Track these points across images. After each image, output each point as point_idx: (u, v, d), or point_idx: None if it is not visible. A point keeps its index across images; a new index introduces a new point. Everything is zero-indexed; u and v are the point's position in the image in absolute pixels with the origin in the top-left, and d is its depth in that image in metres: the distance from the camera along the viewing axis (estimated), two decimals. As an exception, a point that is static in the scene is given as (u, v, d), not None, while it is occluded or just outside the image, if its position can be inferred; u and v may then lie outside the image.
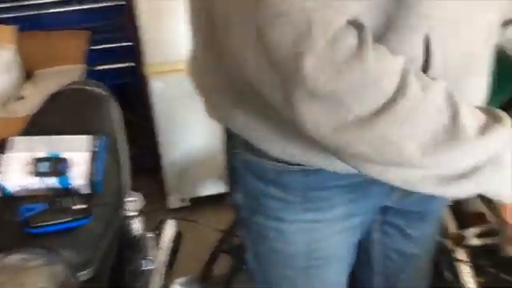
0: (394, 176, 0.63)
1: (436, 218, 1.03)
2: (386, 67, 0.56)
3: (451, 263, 1.27)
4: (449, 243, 1.26)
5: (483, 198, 1.33)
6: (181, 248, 1.52)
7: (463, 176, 0.61)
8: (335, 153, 0.62)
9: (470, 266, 1.25)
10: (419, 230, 1.00)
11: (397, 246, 1.02)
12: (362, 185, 0.80)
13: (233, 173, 0.88)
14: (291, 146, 0.74)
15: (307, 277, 0.93)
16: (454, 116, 0.58)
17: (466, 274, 1.25)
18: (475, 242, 1.23)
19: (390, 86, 0.56)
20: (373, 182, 0.73)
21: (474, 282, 1.24)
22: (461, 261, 1.25)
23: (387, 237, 1.00)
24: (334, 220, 0.86)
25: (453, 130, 0.58)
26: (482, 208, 1.31)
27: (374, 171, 0.63)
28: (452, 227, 1.29)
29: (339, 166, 0.70)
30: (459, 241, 1.24)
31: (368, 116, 0.56)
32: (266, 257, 0.92)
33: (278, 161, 0.78)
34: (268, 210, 0.85)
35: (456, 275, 1.26)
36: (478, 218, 1.31)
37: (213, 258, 1.61)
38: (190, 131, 2.09)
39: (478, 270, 1.28)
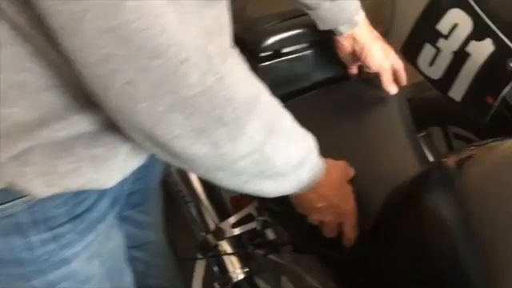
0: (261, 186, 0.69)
1: (156, 194, 1.02)
2: None
3: (219, 258, 1.22)
4: (211, 239, 1.20)
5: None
6: None
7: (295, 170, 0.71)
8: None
9: (237, 256, 1.21)
10: (147, 214, 0.98)
11: (137, 241, 0.97)
12: None
13: None
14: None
15: None
16: (286, 118, 0.69)
17: (234, 266, 1.21)
18: (235, 231, 1.19)
19: None
20: None
21: (243, 272, 1.21)
22: (226, 254, 1.20)
23: (126, 235, 0.91)
24: (109, 229, 0.77)
25: (292, 131, 0.70)
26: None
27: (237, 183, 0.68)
28: (213, 221, 1.24)
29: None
30: (220, 234, 1.19)
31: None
32: None
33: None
34: (45, 261, 0.69)
35: (226, 270, 1.22)
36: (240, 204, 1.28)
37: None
38: None
39: (247, 257, 1.25)
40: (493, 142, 0.75)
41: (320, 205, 0.78)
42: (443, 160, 0.76)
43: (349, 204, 0.82)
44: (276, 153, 0.65)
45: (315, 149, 0.74)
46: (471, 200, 0.64)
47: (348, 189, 0.82)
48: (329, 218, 0.81)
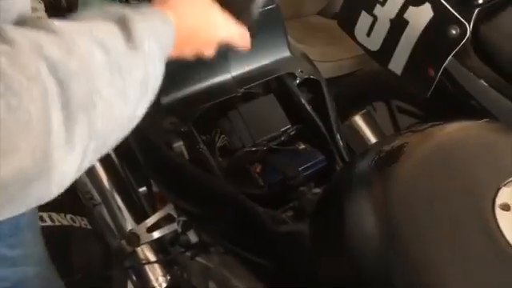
0: None
1: (31, 220, 0.82)
2: None
3: (138, 267, 1.07)
4: (126, 245, 1.05)
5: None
6: None
7: None
8: None
9: (159, 263, 1.07)
10: (19, 246, 0.79)
11: (9, 281, 0.80)
12: None
13: None
14: None
15: None
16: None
17: (155, 274, 1.06)
18: (154, 235, 1.04)
19: None
20: None
21: (165, 280, 1.06)
22: (144, 263, 1.05)
23: None
24: None
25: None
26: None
27: None
28: (128, 224, 1.08)
29: None
30: (134, 240, 1.04)
31: None
32: None
33: None
34: None
35: (147, 279, 1.07)
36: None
37: None
38: None
39: (171, 262, 1.10)
40: (432, 126, 0.63)
41: (194, 48, 0.65)
42: (375, 150, 0.64)
43: (225, 28, 0.68)
44: (111, 116, 0.45)
45: (148, 33, 0.52)
46: (397, 201, 0.54)
47: (215, 15, 0.67)
48: (211, 51, 0.68)
